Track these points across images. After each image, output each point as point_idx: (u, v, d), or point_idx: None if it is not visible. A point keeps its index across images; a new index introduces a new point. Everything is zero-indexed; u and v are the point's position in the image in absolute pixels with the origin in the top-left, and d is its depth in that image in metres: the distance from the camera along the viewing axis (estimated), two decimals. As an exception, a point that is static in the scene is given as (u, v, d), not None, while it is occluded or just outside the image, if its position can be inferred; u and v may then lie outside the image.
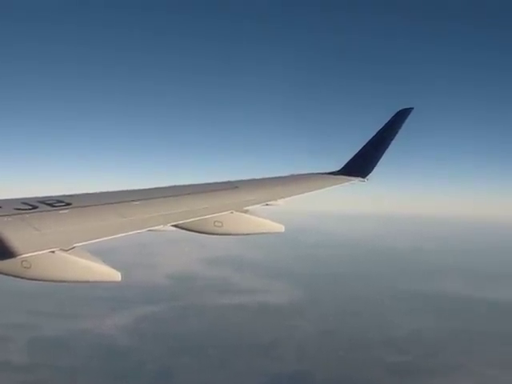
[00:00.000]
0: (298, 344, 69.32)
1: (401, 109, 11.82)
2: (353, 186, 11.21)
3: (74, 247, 5.35)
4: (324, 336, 72.49)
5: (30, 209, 5.94)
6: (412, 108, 11.78)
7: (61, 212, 6.11)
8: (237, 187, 8.84)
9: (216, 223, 7.34)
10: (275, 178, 10.32)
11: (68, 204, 6.41)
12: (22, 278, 5.23)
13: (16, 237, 5.05)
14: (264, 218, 7.75)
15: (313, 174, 11.46)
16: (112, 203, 6.81)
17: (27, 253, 4.89)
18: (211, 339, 68.73)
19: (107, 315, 77.60)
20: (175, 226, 6.88)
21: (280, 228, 7.77)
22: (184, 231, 7.23)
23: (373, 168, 11.40)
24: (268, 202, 8.43)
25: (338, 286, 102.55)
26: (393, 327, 77.29)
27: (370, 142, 11.60)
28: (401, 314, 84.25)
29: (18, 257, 4.85)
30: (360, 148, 11.63)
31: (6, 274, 5.12)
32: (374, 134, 11.62)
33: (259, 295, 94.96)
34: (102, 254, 5.68)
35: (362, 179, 11.29)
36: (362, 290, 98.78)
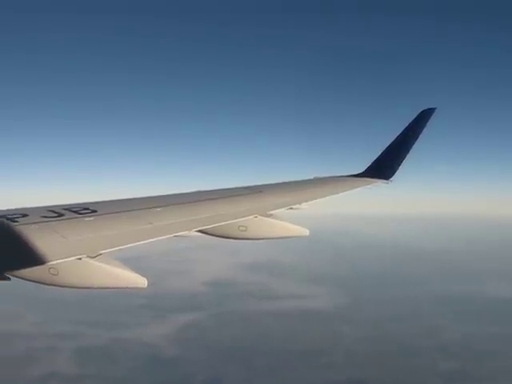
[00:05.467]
0: (347, 350, 67.92)
1: (423, 109, 11.66)
2: (377, 188, 11.13)
3: (100, 254, 5.44)
4: (371, 341, 71.05)
5: (56, 216, 6.04)
6: (435, 108, 11.60)
7: (86, 219, 6.18)
8: (261, 191, 8.85)
9: (240, 228, 7.34)
10: (299, 181, 10.31)
11: (93, 211, 6.48)
12: (50, 285, 5.29)
13: (43, 244, 5.14)
14: (288, 222, 7.77)
15: (336, 176, 11.40)
16: (137, 210, 6.87)
17: (54, 260, 4.96)
18: (256, 347, 68.17)
19: (149, 324, 77.95)
20: (200, 231, 6.95)
21: (304, 232, 7.72)
22: (210, 237, 7.30)
23: (396, 169, 11.30)
24: (292, 206, 8.39)
25: (378, 288, 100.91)
26: (440, 331, 75.48)
27: (392, 143, 11.48)
28: (445, 317, 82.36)
29: (46, 264, 4.92)
30: (383, 150, 11.55)
31: (34, 281, 5.19)
32: (397, 135, 11.53)
33: (300, 300, 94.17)
34: (134, 262, 5.74)
35: (385, 181, 11.21)
36: (402, 293, 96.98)
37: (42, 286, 5.29)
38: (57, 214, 6.13)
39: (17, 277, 5.03)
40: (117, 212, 6.65)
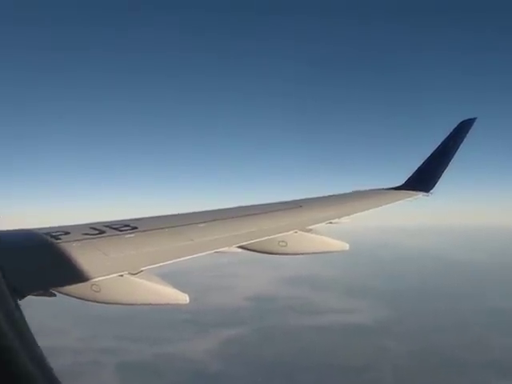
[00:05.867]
0: (393, 365, 66.28)
1: (463, 120, 11.44)
2: (416, 200, 10.97)
3: (141, 271, 5.52)
4: (417, 356, 69.02)
5: (97, 234, 6.13)
6: (475, 118, 11.36)
7: (127, 236, 6.27)
8: (300, 206, 8.84)
9: (280, 243, 7.36)
10: (338, 195, 10.26)
11: (134, 228, 6.58)
12: (93, 301, 5.40)
13: (85, 261, 5.25)
14: (328, 237, 7.73)
15: (376, 189, 11.30)
16: (177, 226, 6.94)
17: (97, 277, 5.10)
18: (299, 362, 67.23)
19: (192, 339, 78.03)
20: (241, 247, 6.98)
21: (344, 246, 7.69)
22: (250, 252, 7.33)
23: (436, 182, 11.11)
24: (332, 221, 8.37)
25: (421, 301, 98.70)
26: (489, 346, 72.70)
27: (432, 155, 11.31)
28: (493, 331, 79.25)
29: (89, 281, 5.05)
30: (422, 161, 11.39)
31: (77, 298, 5.30)
32: (436, 146, 11.36)
33: (342, 315, 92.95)
34: (175, 277, 5.80)
35: (425, 193, 11.04)
36: (446, 306, 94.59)
37: (86, 302, 5.40)
38: (98, 231, 6.24)
39: (61, 293, 5.14)
40: (157, 228, 6.72)
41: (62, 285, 5.04)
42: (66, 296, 5.22)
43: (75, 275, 5.05)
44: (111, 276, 5.23)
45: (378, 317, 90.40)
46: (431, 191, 11.10)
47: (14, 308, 0.90)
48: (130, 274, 5.38)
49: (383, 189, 11.37)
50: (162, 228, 6.76)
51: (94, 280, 5.09)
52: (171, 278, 5.78)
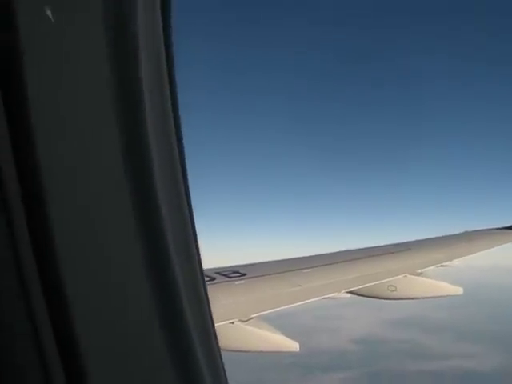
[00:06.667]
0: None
1: None
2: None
3: (251, 318, 5.61)
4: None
5: (208, 280, 6.20)
6: None
7: (237, 283, 6.37)
8: (409, 249, 8.65)
9: (390, 287, 7.24)
10: (448, 236, 9.92)
11: (243, 274, 6.66)
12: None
13: None
14: (440, 281, 7.50)
15: (486, 229, 10.80)
16: (284, 272, 6.98)
17: None
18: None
19: (298, 382, 76.70)
20: (349, 292, 6.94)
21: (458, 291, 7.42)
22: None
23: None
24: (443, 263, 8.13)
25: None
26: None
27: None
28: None
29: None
30: None
31: None
32: None
33: (456, 360, 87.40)
34: (280, 319, 5.84)
35: None
36: None
37: None
38: (208, 277, 6.30)
39: None
40: (265, 275, 6.80)
41: None
42: None
43: None
44: (222, 323, 5.25)
45: (494, 363, 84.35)
46: None
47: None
48: (240, 320, 5.46)
49: (495, 229, 10.86)
50: (270, 274, 6.82)
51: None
52: (277, 319, 5.82)
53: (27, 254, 0.65)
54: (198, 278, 1.03)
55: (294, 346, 5.65)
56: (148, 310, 0.82)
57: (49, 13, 0.67)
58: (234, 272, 6.74)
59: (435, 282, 7.46)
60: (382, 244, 9.07)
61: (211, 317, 1.07)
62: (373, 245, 9.00)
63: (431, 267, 7.85)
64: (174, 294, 0.87)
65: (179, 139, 0.95)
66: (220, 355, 1.04)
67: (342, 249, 8.58)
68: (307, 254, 8.24)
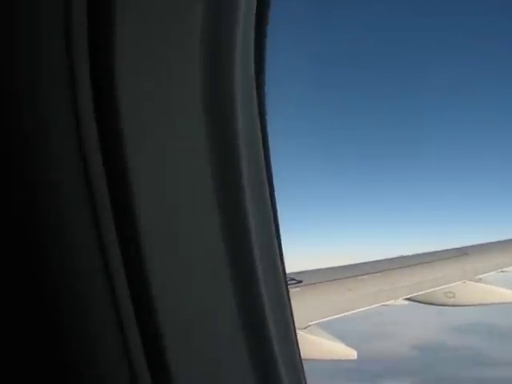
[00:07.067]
0: None
1: None
2: None
3: (309, 325, 5.67)
4: None
5: None
6: None
7: (293, 290, 6.31)
8: (467, 254, 8.50)
9: (448, 294, 7.15)
10: (508, 240, 9.68)
11: (299, 281, 6.65)
12: None
13: None
14: (500, 287, 7.34)
15: None
16: (341, 279, 6.98)
17: None
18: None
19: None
20: (407, 299, 6.90)
21: None
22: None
23: None
24: (504, 269, 7.96)
25: None
26: None
27: None
28: None
29: None
30: None
31: None
32: None
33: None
34: (336, 324, 5.86)
35: None
36: None
37: None
38: None
39: None
40: (321, 282, 6.82)
41: None
42: None
43: None
44: None
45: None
46: None
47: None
48: (298, 329, 5.54)
49: None
50: (325, 281, 6.83)
51: None
52: (333, 325, 5.85)
53: (115, 255, 0.67)
54: (281, 285, 1.05)
55: (352, 353, 5.69)
56: (230, 315, 0.82)
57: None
58: (291, 279, 6.67)
59: (496, 288, 7.31)
60: (437, 249, 8.92)
61: (294, 325, 1.11)
62: (427, 250, 8.88)
63: (491, 273, 7.71)
64: (257, 299, 0.87)
65: (266, 148, 0.89)
66: (302, 364, 1.11)
67: (400, 254, 8.51)
68: (363, 260, 8.21)
